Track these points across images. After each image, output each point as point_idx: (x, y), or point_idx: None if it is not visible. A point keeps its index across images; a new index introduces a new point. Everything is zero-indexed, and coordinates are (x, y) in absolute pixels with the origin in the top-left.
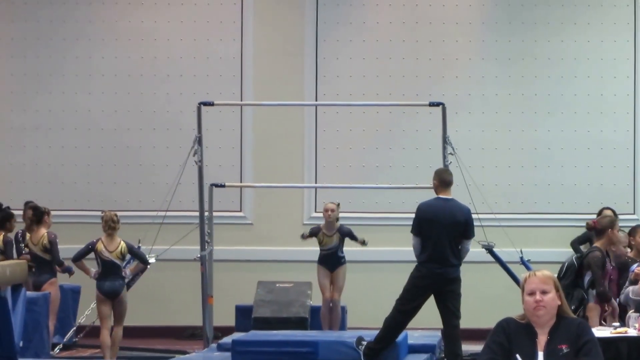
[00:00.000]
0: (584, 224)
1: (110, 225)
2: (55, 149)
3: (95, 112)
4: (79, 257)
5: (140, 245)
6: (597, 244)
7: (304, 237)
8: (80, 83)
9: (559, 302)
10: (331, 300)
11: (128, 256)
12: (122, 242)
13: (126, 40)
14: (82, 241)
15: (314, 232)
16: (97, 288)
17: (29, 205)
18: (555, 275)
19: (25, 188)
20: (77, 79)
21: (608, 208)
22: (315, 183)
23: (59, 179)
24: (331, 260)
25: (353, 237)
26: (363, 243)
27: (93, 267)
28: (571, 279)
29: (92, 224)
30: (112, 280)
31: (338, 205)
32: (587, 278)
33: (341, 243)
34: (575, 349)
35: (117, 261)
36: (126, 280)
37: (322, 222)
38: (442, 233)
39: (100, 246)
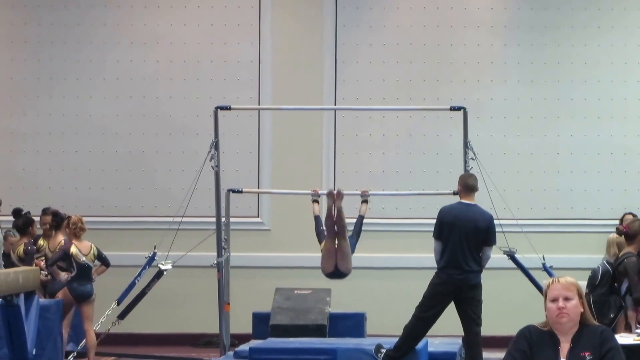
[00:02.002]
0: (607, 230)
1: (80, 227)
2: (68, 153)
3: (109, 117)
4: (54, 262)
5: (156, 251)
6: (629, 249)
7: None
8: (95, 87)
9: (582, 309)
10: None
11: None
12: (92, 245)
13: (141, 43)
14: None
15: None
16: (68, 290)
17: (49, 211)
18: (585, 281)
19: (38, 193)
20: (91, 82)
21: (631, 213)
22: (334, 189)
23: (73, 185)
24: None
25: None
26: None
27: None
28: (608, 286)
29: (106, 230)
30: (83, 283)
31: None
32: (625, 285)
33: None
34: (599, 357)
35: (91, 264)
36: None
37: None
38: (462, 238)
39: (74, 250)
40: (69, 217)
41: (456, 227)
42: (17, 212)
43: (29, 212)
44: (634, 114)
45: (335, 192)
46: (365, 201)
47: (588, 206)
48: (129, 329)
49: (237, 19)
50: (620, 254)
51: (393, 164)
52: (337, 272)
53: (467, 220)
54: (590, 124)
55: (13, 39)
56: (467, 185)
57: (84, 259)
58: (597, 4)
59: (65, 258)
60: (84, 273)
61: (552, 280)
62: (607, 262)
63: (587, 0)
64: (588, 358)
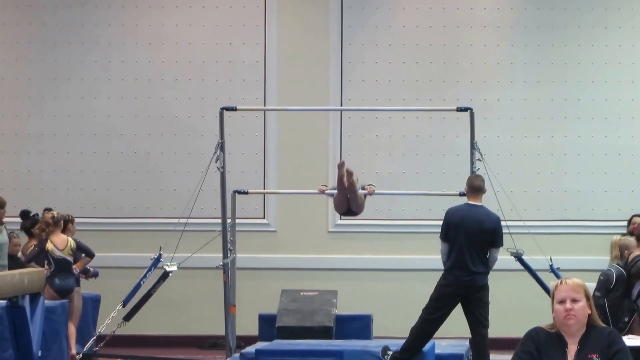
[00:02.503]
0: (614, 231)
1: (43, 229)
2: (73, 154)
3: (114, 118)
4: (31, 259)
5: (161, 252)
6: (638, 252)
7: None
8: (100, 88)
9: (589, 311)
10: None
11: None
12: (69, 239)
13: (146, 44)
14: (102, 248)
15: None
16: (49, 286)
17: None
18: (593, 283)
19: (43, 194)
20: (96, 83)
21: (639, 215)
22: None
23: (78, 186)
24: None
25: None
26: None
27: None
28: (622, 290)
29: (111, 231)
30: (63, 277)
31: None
32: (637, 288)
33: None
34: (607, 359)
35: (69, 258)
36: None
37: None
38: (469, 239)
39: (50, 246)
40: (72, 218)
41: (462, 229)
42: (25, 214)
43: (37, 214)
44: None
45: (345, 171)
46: (364, 188)
47: (595, 207)
48: (134, 330)
49: (242, 19)
50: (631, 257)
51: (399, 165)
52: (349, 212)
53: (473, 222)
54: (597, 124)
55: (17, 39)
56: (474, 186)
57: (59, 253)
58: (604, 4)
59: (42, 254)
60: (62, 268)
61: (560, 282)
62: (619, 266)
63: (594, 1)
64: None
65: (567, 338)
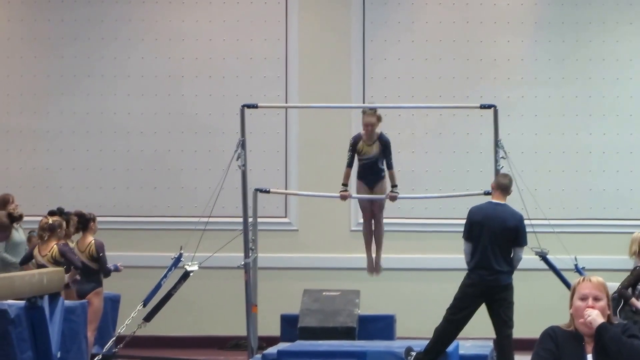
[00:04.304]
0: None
1: (39, 234)
2: (93, 152)
3: (134, 115)
4: (25, 261)
5: (182, 252)
6: None
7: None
8: (119, 84)
9: (609, 312)
10: (372, 217)
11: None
12: (54, 247)
13: (166, 40)
14: (121, 248)
15: (355, 141)
16: None
17: (73, 212)
18: (617, 283)
19: (61, 193)
20: (115, 80)
21: None
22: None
23: (97, 184)
24: (371, 173)
25: (388, 154)
26: (393, 186)
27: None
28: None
29: (131, 230)
30: None
31: (378, 117)
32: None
33: (381, 154)
34: None
35: (49, 265)
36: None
37: None
38: (492, 238)
39: (35, 251)
40: (94, 216)
41: (485, 227)
42: (60, 213)
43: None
44: None
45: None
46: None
47: (620, 206)
48: (155, 331)
49: (263, 15)
50: None
51: (422, 163)
52: None
53: (496, 220)
54: (622, 122)
55: (36, 35)
56: (500, 185)
57: (40, 260)
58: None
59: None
60: None
61: (583, 279)
62: None
63: None
64: None
65: (585, 336)
